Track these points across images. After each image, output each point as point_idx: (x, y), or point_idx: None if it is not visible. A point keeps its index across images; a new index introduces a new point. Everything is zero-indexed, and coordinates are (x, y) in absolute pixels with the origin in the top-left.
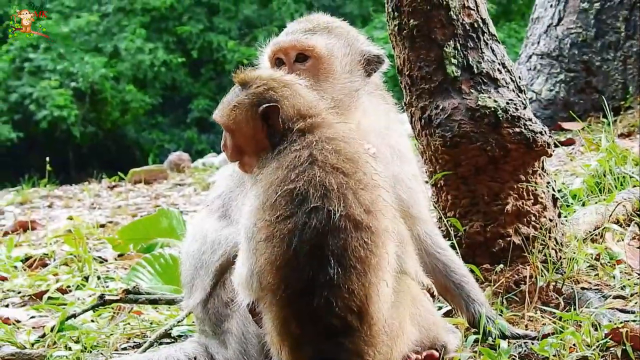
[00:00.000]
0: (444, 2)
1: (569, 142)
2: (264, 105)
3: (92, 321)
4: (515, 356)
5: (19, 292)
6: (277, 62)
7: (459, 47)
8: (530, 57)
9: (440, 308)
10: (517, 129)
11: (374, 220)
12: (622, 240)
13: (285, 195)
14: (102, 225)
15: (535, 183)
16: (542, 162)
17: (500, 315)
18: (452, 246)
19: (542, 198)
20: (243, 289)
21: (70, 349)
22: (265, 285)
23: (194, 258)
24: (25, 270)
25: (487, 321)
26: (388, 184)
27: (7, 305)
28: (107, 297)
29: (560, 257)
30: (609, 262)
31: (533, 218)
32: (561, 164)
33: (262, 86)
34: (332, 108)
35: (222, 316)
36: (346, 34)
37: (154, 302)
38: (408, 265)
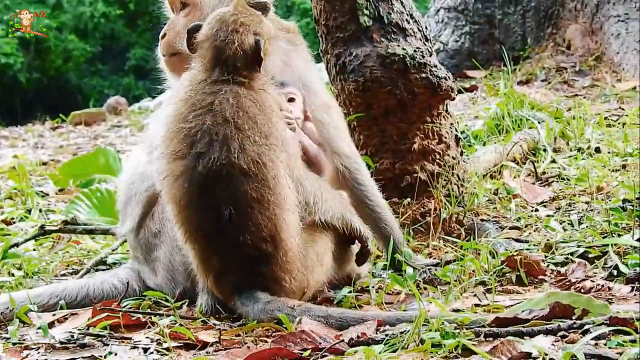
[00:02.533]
0: None
1: (472, 89)
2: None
3: (34, 250)
4: (420, 281)
5: None
6: (172, 8)
7: None
8: (438, 10)
9: None
10: (424, 75)
11: (262, 169)
12: (518, 176)
13: (180, 133)
14: (45, 163)
15: (440, 124)
16: (446, 105)
17: (407, 243)
18: None
19: (446, 138)
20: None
21: (13, 275)
22: (178, 219)
23: (126, 187)
24: None
25: (396, 250)
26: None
27: None
28: (47, 228)
29: (462, 192)
30: (506, 197)
31: (437, 156)
32: (465, 108)
33: (250, 16)
34: None
35: (151, 245)
36: None
37: (90, 232)
38: (330, 211)
